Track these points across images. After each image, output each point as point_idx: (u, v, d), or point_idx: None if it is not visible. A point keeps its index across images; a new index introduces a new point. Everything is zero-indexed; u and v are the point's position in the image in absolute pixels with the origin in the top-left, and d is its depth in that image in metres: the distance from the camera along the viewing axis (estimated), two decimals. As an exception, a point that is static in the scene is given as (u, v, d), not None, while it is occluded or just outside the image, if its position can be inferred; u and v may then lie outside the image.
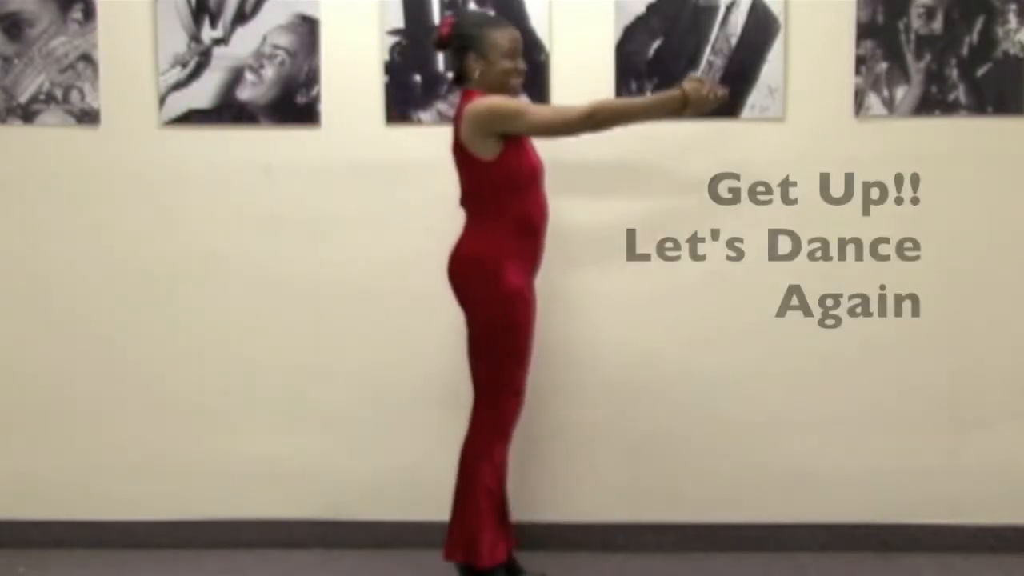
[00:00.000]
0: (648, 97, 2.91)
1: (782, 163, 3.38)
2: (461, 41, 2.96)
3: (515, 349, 2.96)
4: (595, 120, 2.88)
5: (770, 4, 3.33)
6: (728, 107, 3.35)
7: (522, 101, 2.94)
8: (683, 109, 2.89)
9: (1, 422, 3.52)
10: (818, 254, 3.39)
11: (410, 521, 3.46)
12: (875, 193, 3.37)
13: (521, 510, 3.27)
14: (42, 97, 3.45)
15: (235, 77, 3.43)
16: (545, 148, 3.35)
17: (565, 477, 3.45)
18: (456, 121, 2.96)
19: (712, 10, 3.35)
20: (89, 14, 3.42)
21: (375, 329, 3.45)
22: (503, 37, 2.94)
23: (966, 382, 3.40)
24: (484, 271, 2.94)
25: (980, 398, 3.40)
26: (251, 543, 3.48)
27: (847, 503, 3.43)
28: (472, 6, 3.38)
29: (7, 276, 3.49)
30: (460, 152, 2.95)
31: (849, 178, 3.37)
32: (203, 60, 3.42)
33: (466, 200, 2.99)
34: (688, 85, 2.88)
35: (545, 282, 3.33)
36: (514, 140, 2.92)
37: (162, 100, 3.44)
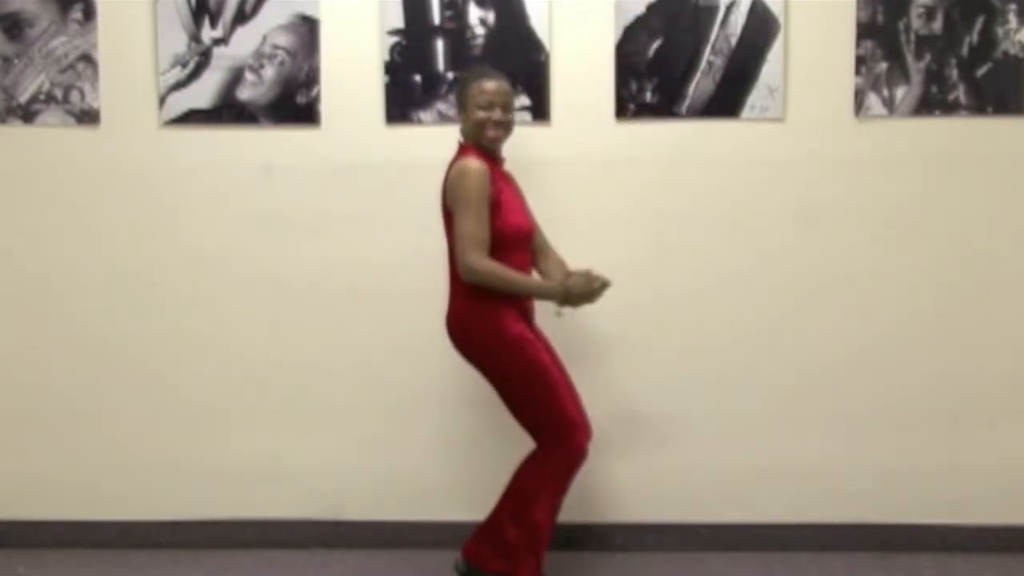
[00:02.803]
0: (534, 280, 2.99)
1: (782, 163, 3.38)
2: (455, 95, 3.11)
3: (542, 385, 2.95)
4: (473, 276, 2.89)
5: (770, 4, 3.34)
6: (728, 107, 3.36)
7: (479, 204, 2.87)
8: (565, 299, 2.92)
9: (1, 422, 3.52)
10: (818, 254, 3.39)
11: (410, 521, 3.46)
12: (875, 193, 3.37)
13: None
14: (42, 97, 3.45)
15: (235, 77, 3.43)
16: (550, 146, 3.35)
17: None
18: (446, 175, 3.00)
19: (712, 10, 3.35)
20: (89, 14, 3.42)
21: (375, 329, 3.45)
22: (479, 88, 2.97)
23: (966, 382, 3.40)
24: (484, 322, 2.95)
25: (980, 398, 3.41)
26: (251, 543, 3.48)
27: (847, 503, 3.43)
28: (472, 7, 3.38)
29: (7, 276, 3.49)
30: (445, 209, 2.99)
31: (849, 178, 3.37)
32: (203, 60, 3.42)
33: (452, 257, 2.98)
34: (572, 281, 2.91)
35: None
36: (500, 200, 2.94)
37: (162, 100, 3.44)
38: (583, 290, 2.91)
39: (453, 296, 3.01)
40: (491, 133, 2.98)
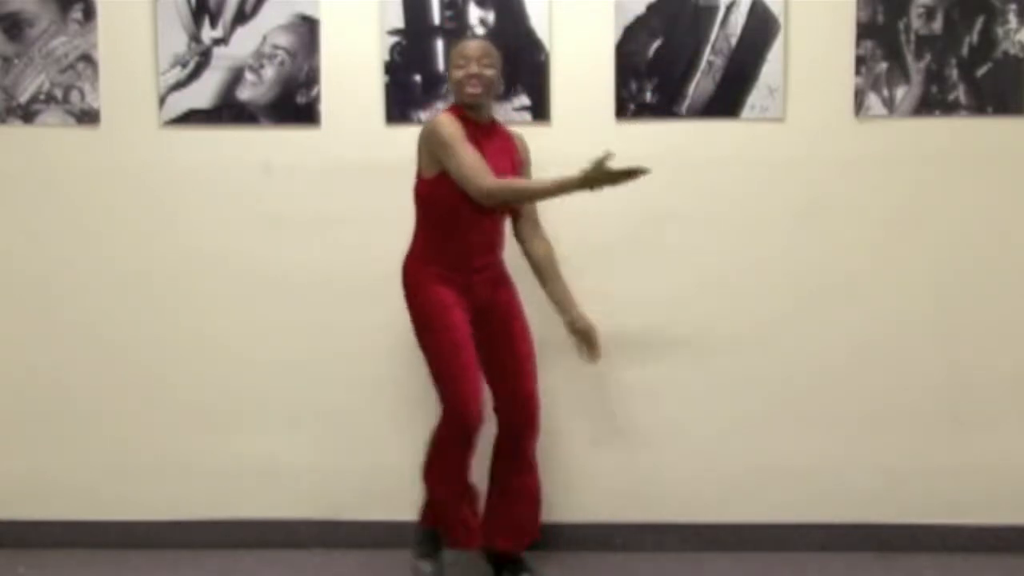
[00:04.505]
0: (551, 180, 2.87)
1: (782, 163, 3.38)
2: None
3: (441, 352, 3.00)
4: (493, 198, 2.90)
5: (770, 4, 3.34)
6: (728, 107, 3.36)
7: (460, 141, 2.90)
8: (583, 187, 2.77)
9: (1, 422, 3.52)
10: (818, 254, 3.39)
11: (410, 521, 3.46)
12: (875, 193, 3.37)
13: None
14: (42, 97, 3.45)
15: (235, 77, 3.43)
16: (550, 146, 3.34)
17: (565, 477, 3.45)
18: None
19: (712, 10, 3.35)
20: (89, 14, 3.42)
21: (375, 328, 3.45)
22: (456, 50, 3.04)
23: (966, 382, 3.40)
24: (411, 277, 3.06)
25: (980, 398, 3.41)
26: (251, 543, 3.48)
27: (847, 503, 3.43)
28: (472, 7, 3.38)
29: (7, 276, 3.49)
30: (418, 168, 3.05)
31: (849, 178, 3.37)
32: (203, 60, 3.42)
33: (416, 209, 3.09)
34: (590, 169, 2.76)
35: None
36: None
37: (162, 100, 3.44)
38: (600, 172, 2.75)
39: (410, 242, 3.11)
40: (470, 89, 3.00)
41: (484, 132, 3.06)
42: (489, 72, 3.01)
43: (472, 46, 3.02)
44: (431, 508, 3.14)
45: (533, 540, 3.21)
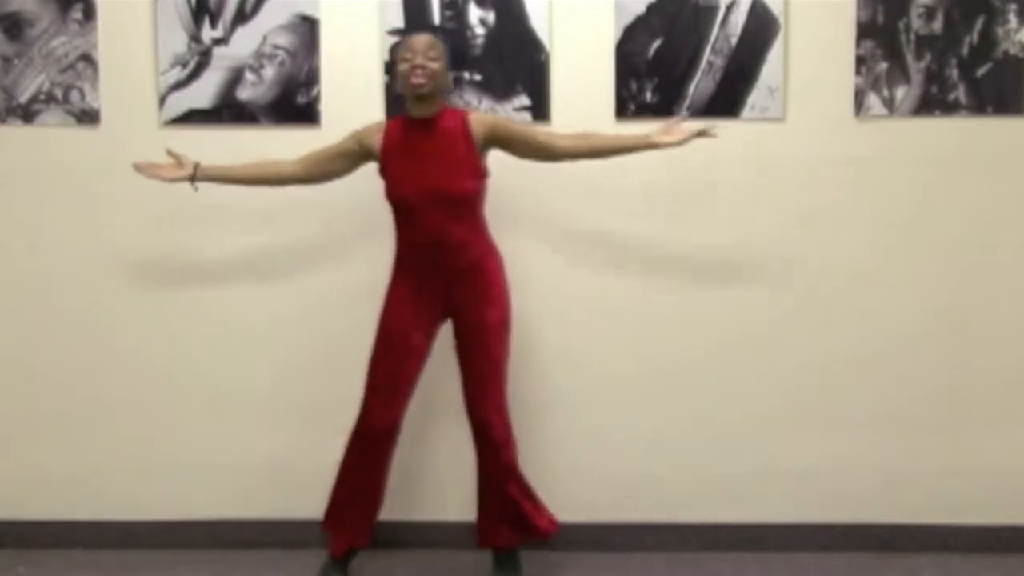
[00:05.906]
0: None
1: (782, 163, 3.38)
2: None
3: (372, 355, 3.12)
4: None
5: (770, 4, 3.34)
6: (728, 107, 3.36)
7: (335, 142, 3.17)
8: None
9: (1, 422, 3.52)
10: (818, 254, 3.39)
11: (409, 521, 3.46)
12: (875, 193, 3.37)
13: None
14: (42, 97, 3.45)
15: (235, 77, 3.43)
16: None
17: (565, 477, 3.45)
18: None
19: (712, 10, 3.35)
20: (89, 14, 3.42)
21: (374, 329, 3.44)
22: (403, 45, 3.06)
23: (966, 382, 3.40)
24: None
25: (980, 398, 3.41)
26: (251, 543, 3.48)
27: (847, 503, 3.43)
28: (472, 7, 3.38)
29: (7, 275, 3.49)
30: None
31: (849, 178, 3.37)
32: (203, 60, 3.42)
33: None
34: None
35: (544, 283, 3.34)
36: (384, 167, 3.04)
37: (162, 100, 3.44)
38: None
39: None
40: (414, 80, 3.00)
41: (425, 131, 3.05)
42: (434, 65, 3.01)
43: (418, 39, 3.04)
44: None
45: (507, 540, 3.19)
